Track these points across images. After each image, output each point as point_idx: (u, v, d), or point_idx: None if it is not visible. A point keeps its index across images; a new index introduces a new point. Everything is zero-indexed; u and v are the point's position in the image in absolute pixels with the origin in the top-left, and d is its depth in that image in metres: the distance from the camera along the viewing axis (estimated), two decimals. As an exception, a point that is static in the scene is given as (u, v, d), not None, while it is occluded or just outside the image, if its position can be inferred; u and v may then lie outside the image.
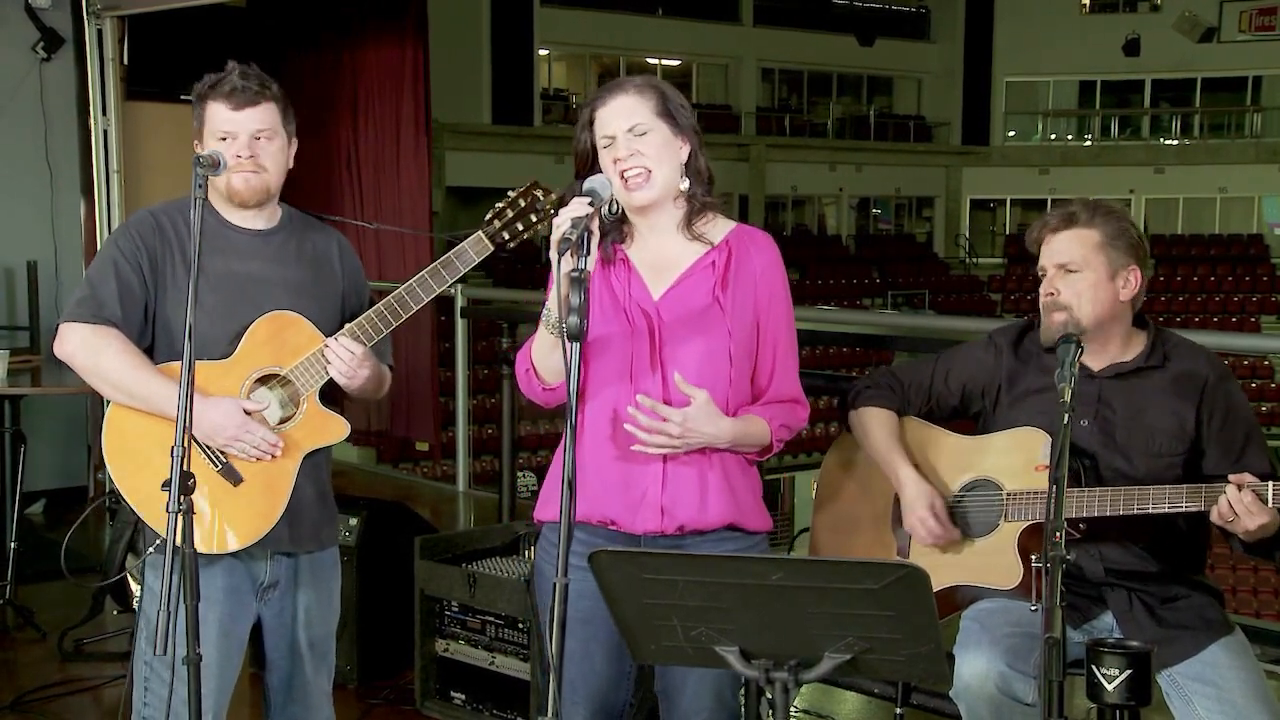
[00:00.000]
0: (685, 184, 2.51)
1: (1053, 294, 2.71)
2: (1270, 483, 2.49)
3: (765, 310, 2.52)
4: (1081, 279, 2.69)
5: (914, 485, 2.82)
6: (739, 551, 2.51)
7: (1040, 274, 2.76)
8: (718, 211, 2.56)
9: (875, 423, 2.92)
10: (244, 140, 2.67)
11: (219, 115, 2.67)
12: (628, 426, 2.39)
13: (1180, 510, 2.57)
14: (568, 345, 2.14)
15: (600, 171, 2.46)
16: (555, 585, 2.08)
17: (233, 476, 2.66)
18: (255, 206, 2.73)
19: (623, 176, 2.44)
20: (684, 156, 2.50)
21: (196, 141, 2.72)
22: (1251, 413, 2.77)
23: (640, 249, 2.52)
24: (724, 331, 2.47)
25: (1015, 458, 2.76)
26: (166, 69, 6.91)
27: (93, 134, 6.75)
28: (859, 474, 3.00)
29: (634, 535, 2.46)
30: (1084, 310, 2.69)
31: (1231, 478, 2.52)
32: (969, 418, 2.95)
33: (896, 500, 2.92)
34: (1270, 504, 2.48)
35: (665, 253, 2.52)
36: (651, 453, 2.40)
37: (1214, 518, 2.53)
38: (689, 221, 2.52)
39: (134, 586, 4.55)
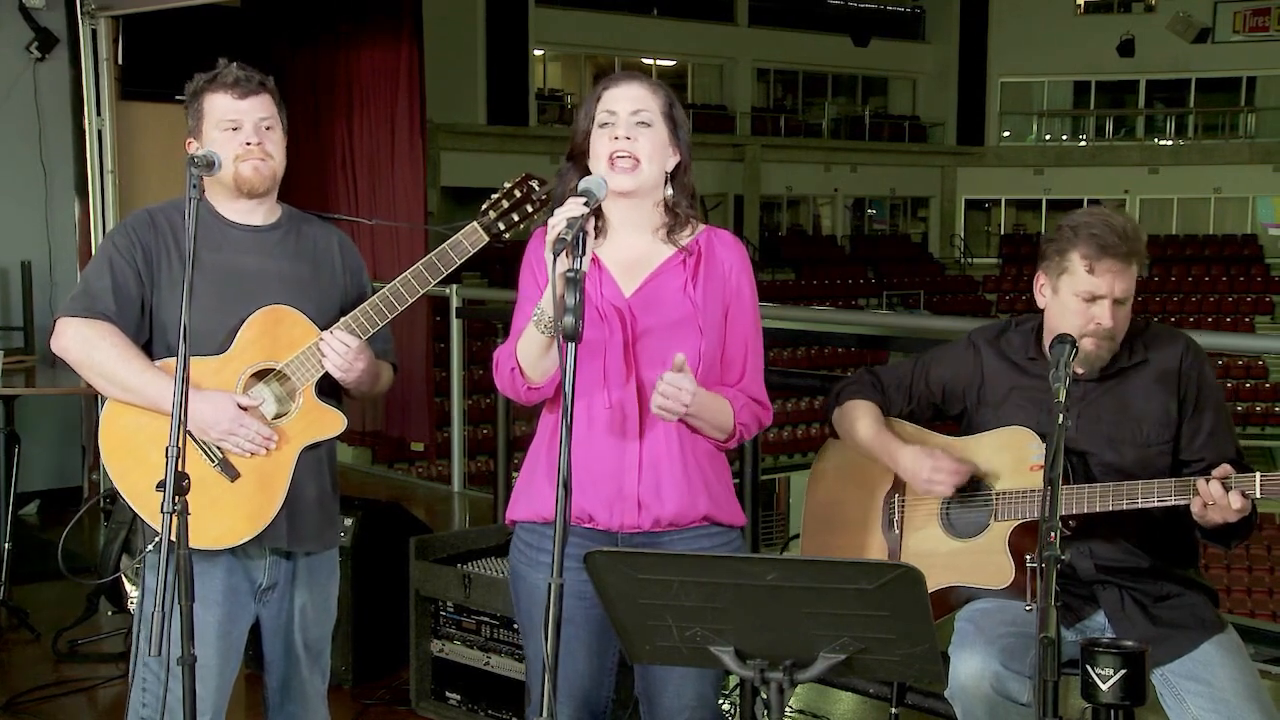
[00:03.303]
0: (669, 192, 2.53)
1: (1104, 324, 2.64)
2: (1258, 474, 2.51)
3: (734, 307, 2.55)
4: (1127, 309, 2.68)
5: (907, 452, 2.81)
6: (717, 548, 2.53)
7: (1084, 297, 2.64)
8: (697, 221, 2.59)
9: (860, 412, 2.91)
10: (250, 128, 2.68)
11: (222, 105, 2.68)
12: (658, 402, 2.36)
13: (1168, 504, 2.58)
14: (563, 345, 2.15)
15: (591, 153, 2.49)
16: (550, 585, 2.08)
17: (229, 471, 2.66)
18: (264, 195, 2.74)
19: (612, 157, 2.45)
20: (671, 165, 2.52)
21: (192, 140, 2.72)
22: (1222, 395, 2.79)
23: (611, 247, 2.53)
24: (695, 328, 2.49)
25: (1004, 457, 2.76)
26: (161, 69, 6.88)
27: (87, 134, 6.74)
28: (848, 477, 3.00)
29: (611, 533, 2.48)
30: (1119, 337, 2.70)
31: (1215, 473, 2.53)
32: (951, 418, 2.95)
33: (886, 501, 2.92)
34: (1260, 494, 2.50)
35: (636, 251, 2.54)
36: (668, 417, 2.38)
37: (1195, 510, 2.54)
38: (669, 232, 2.54)
39: (129, 587, 4.55)
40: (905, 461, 2.81)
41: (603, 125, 2.48)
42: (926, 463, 2.77)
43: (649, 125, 2.48)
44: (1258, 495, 2.51)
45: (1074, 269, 2.66)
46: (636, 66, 25.68)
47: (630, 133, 2.46)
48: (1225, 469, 2.53)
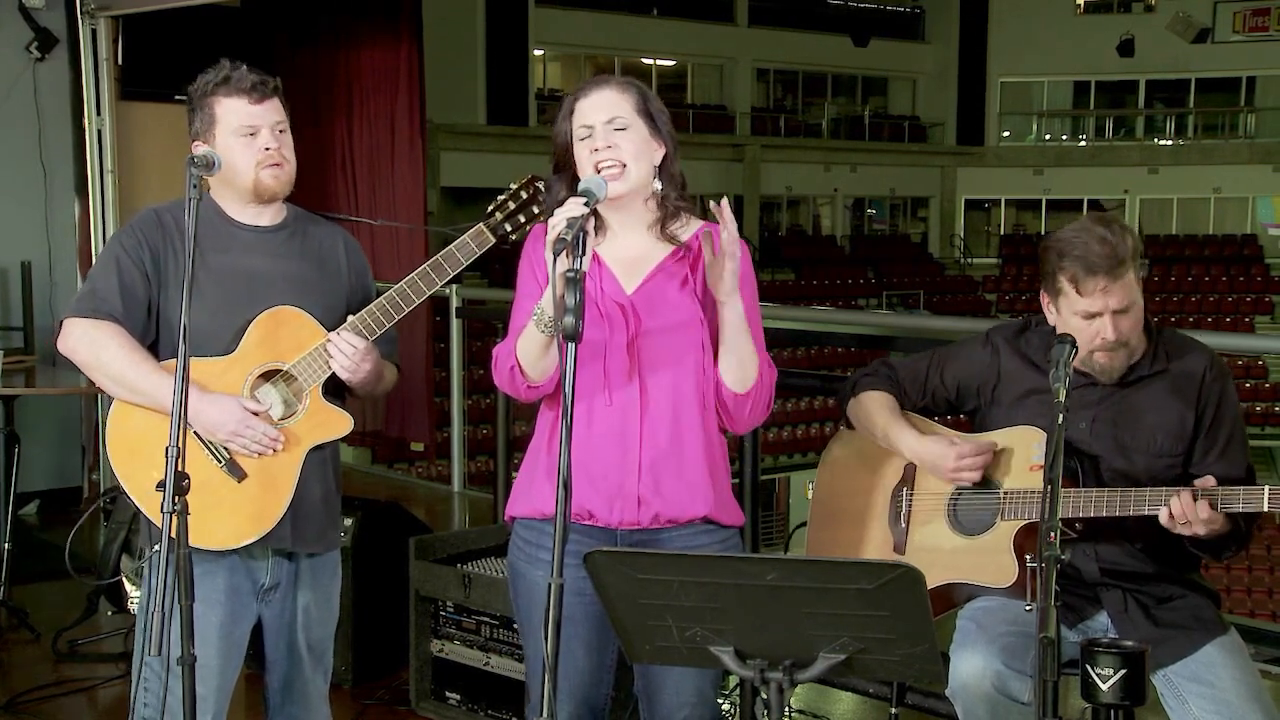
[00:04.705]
0: (658, 185, 2.53)
1: (1108, 338, 2.63)
2: (1221, 489, 2.51)
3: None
4: (1133, 312, 2.65)
5: (927, 444, 2.81)
6: (715, 546, 2.53)
7: (1082, 315, 2.63)
8: (690, 214, 2.59)
9: (876, 404, 2.91)
10: (267, 134, 2.67)
11: (240, 110, 2.66)
12: (724, 230, 2.35)
13: None
14: (564, 345, 2.15)
15: (576, 164, 2.49)
16: (550, 585, 2.08)
17: (236, 472, 2.65)
18: (280, 199, 2.74)
19: (597, 168, 2.45)
20: (658, 159, 2.52)
21: (199, 143, 2.70)
22: (1240, 413, 2.78)
23: (610, 246, 2.54)
24: (698, 321, 2.49)
25: (1013, 457, 2.76)
26: (161, 69, 6.89)
27: (87, 134, 6.74)
28: (856, 470, 3.00)
29: (609, 529, 2.48)
30: (1135, 339, 2.69)
31: (1195, 484, 2.53)
32: (964, 414, 2.95)
33: (894, 495, 2.92)
34: (1220, 510, 2.50)
35: (636, 249, 2.55)
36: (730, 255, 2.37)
37: (1163, 519, 2.54)
38: (663, 225, 2.54)
39: (129, 587, 4.55)
40: (929, 453, 2.81)
41: (582, 139, 2.48)
42: (951, 452, 2.76)
43: (626, 129, 2.47)
44: (1265, 509, 2.50)
45: (1066, 291, 2.65)
46: (636, 67, 25.70)
47: (610, 140, 2.46)
48: (1206, 480, 2.53)
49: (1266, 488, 2.50)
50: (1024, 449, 2.75)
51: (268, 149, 2.67)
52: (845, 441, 3.06)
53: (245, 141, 2.66)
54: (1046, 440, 2.57)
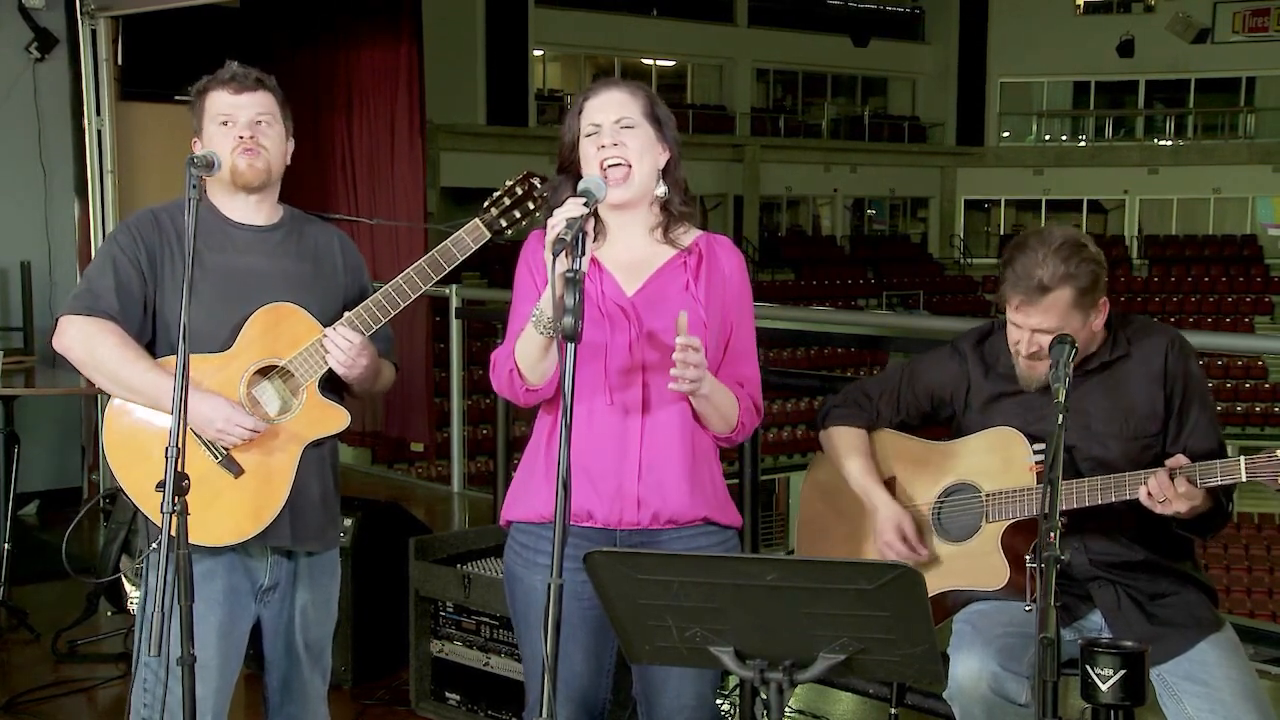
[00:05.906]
0: (662, 189, 2.55)
1: (1036, 350, 2.64)
2: (1199, 464, 2.52)
3: (735, 309, 2.56)
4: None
5: (884, 509, 2.86)
6: (714, 547, 2.54)
7: (1013, 321, 2.67)
8: (691, 223, 2.60)
9: (845, 443, 2.96)
10: (243, 122, 2.70)
11: (219, 100, 2.71)
12: (676, 370, 2.34)
13: None
14: (563, 345, 2.15)
15: (581, 162, 2.50)
16: (549, 586, 2.08)
17: (233, 468, 2.66)
18: (260, 189, 2.75)
19: (603, 167, 2.46)
20: (663, 163, 2.54)
21: (196, 140, 2.75)
22: (1207, 387, 2.78)
23: (611, 249, 2.55)
24: (699, 324, 2.49)
25: (991, 459, 2.77)
26: (161, 69, 6.89)
27: (87, 134, 6.74)
28: (839, 491, 3.01)
29: (609, 530, 2.48)
30: None
31: (1168, 462, 2.54)
32: (941, 423, 2.96)
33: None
34: (1200, 486, 2.51)
35: (636, 253, 2.55)
36: (686, 387, 2.37)
37: (1143, 499, 2.55)
38: (666, 230, 2.55)
39: (128, 588, 4.55)
40: (878, 516, 2.87)
41: (589, 135, 2.50)
42: (890, 531, 2.83)
43: (633, 128, 2.50)
44: (1244, 479, 2.51)
45: (1004, 298, 2.69)
46: (636, 67, 25.71)
47: (617, 138, 2.48)
48: (1178, 459, 2.54)
49: (1242, 458, 2.51)
50: (1002, 450, 2.76)
51: (241, 136, 2.69)
52: (824, 464, 3.07)
53: (224, 130, 2.70)
54: (1042, 440, 2.57)
